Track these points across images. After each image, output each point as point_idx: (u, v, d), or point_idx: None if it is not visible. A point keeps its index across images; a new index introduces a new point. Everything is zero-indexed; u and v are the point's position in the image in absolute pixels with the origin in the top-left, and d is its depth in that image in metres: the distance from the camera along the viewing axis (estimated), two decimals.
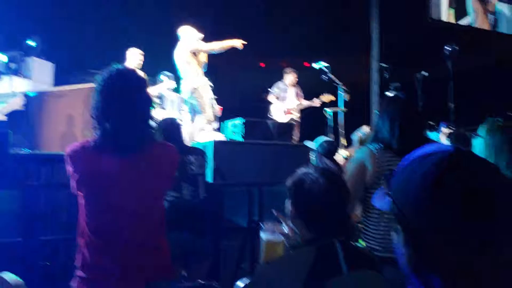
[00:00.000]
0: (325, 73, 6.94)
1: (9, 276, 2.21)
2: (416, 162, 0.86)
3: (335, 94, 7.11)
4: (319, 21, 9.02)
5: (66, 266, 3.39)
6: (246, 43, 5.57)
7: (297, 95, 7.64)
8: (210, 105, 5.72)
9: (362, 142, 4.93)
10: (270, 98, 7.62)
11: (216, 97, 6.50)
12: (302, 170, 1.72)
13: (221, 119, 6.50)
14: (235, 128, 5.37)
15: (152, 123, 1.93)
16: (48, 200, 3.71)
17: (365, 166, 2.25)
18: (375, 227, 2.24)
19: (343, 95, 6.87)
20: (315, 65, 6.98)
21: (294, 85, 7.65)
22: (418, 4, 8.07)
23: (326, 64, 6.97)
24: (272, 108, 7.60)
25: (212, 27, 6.22)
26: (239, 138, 5.28)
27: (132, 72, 1.91)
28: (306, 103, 7.60)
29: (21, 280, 2.21)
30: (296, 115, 7.56)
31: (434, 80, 6.20)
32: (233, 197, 4.38)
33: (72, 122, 5.26)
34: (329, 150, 3.94)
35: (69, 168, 1.81)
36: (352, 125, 6.07)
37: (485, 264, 0.75)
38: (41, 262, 3.39)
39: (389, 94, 5.80)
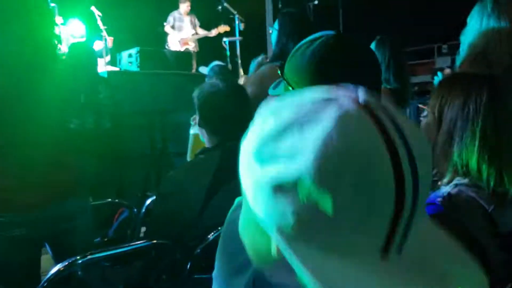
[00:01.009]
0: (220, 3, 6.86)
1: None
2: (305, 45, 0.97)
3: (231, 23, 7.09)
4: None
5: None
6: None
7: (192, 24, 7.51)
8: None
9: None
10: (166, 28, 7.42)
11: (105, 27, 6.19)
12: (206, 82, 1.80)
13: (115, 50, 6.24)
14: (130, 58, 5.22)
15: (57, 43, 1.84)
16: None
17: (267, 81, 2.29)
18: None
19: (239, 25, 6.89)
20: None
21: (189, 14, 7.50)
22: None
23: None
24: (168, 38, 7.42)
25: None
26: (135, 68, 5.15)
27: None
28: (202, 32, 7.51)
29: None
30: (192, 45, 7.48)
31: (324, 8, 6.43)
32: (134, 126, 4.33)
33: None
34: (221, 73, 3.98)
35: None
36: (248, 54, 6.16)
37: None
38: None
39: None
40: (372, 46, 2.67)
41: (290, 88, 0.96)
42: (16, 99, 1.72)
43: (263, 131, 0.52)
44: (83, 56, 3.12)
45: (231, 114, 1.69)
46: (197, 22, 7.53)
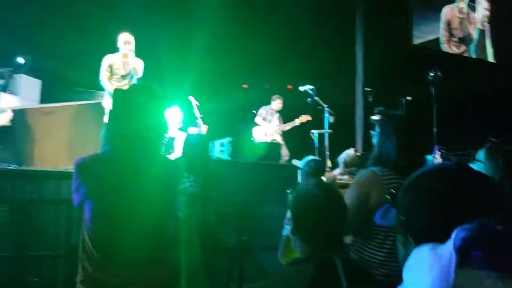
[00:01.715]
0: (310, 95, 7.03)
1: None
2: (422, 178, 0.92)
3: (320, 116, 7.19)
4: (303, 44, 9.17)
5: (52, 282, 3.35)
6: None
7: (279, 120, 7.83)
8: None
9: (347, 164, 4.96)
10: (257, 120, 7.73)
11: (201, 115, 6.56)
12: (301, 185, 1.77)
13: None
14: (222, 147, 5.43)
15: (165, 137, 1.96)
16: (35, 215, 3.68)
17: (370, 190, 2.16)
18: (377, 251, 2.13)
19: (328, 117, 6.96)
20: (301, 88, 7.08)
21: (278, 111, 7.84)
22: (402, 29, 8.31)
23: (312, 87, 7.07)
24: (254, 129, 7.69)
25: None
26: (226, 156, 5.33)
27: (149, 87, 1.95)
28: (288, 126, 7.77)
29: None
30: (278, 138, 7.71)
31: (417, 105, 6.34)
32: (222, 215, 4.38)
33: (58, 139, 5.23)
34: (316, 169, 3.94)
35: (77, 180, 1.81)
36: (337, 147, 6.15)
37: None
38: (30, 278, 3.34)
39: (375, 118, 5.88)
40: (481, 154, 2.52)
41: (403, 220, 0.90)
42: (121, 196, 1.79)
43: None
44: (199, 147, 3.25)
45: (326, 223, 1.63)
46: (281, 120, 7.85)
